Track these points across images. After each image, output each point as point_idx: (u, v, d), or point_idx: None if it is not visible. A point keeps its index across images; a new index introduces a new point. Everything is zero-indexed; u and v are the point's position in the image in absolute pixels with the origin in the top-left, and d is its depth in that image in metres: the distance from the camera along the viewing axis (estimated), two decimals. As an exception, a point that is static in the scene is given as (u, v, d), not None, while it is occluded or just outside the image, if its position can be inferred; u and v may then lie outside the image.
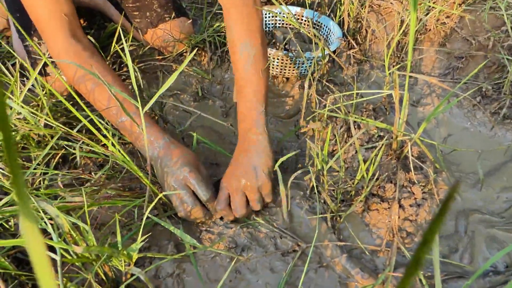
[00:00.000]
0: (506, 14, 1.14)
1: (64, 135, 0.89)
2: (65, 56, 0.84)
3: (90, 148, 0.83)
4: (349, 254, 0.77)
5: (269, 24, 1.36)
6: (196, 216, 0.77)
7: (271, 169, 0.81)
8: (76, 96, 0.78)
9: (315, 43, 1.15)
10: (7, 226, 0.74)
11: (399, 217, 0.79)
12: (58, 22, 0.84)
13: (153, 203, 0.68)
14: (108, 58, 1.23)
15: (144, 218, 0.66)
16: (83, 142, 0.84)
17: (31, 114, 0.83)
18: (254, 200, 0.79)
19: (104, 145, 0.90)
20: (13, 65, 1.25)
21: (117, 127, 0.84)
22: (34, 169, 0.87)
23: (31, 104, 0.94)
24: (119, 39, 1.35)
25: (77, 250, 0.57)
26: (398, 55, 1.27)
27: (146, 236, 0.68)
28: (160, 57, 1.33)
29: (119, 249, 0.60)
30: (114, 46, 1.19)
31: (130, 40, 1.27)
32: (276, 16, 1.35)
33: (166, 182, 0.77)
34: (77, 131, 0.96)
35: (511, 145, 1.00)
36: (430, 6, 1.27)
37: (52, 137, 0.93)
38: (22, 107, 0.89)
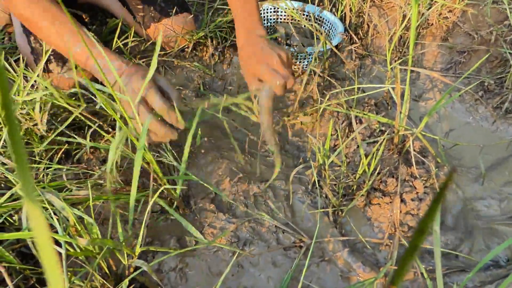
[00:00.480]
0: (508, 8, 1.14)
1: (67, 130, 0.89)
2: None
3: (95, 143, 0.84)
4: (351, 248, 0.77)
5: (271, 19, 1.36)
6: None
7: (289, 54, 0.85)
8: (80, 95, 0.78)
9: (317, 38, 1.15)
10: (11, 221, 0.74)
11: (400, 211, 0.80)
12: None
13: (156, 195, 0.69)
14: (113, 49, 1.23)
15: (147, 213, 0.66)
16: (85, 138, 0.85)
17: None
18: (285, 73, 0.81)
19: (107, 140, 0.91)
20: (16, 60, 1.25)
21: (72, 58, 0.84)
22: (38, 163, 0.88)
23: (33, 99, 0.94)
24: (120, 34, 1.35)
25: (81, 243, 0.57)
26: (400, 50, 1.26)
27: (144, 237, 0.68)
28: (162, 52, 1.33)
29: (121, 241, 0.60)
30: (116, 41, 1.20)
31: (132, 35, 1.27)
32: (277, 12, 1.35)
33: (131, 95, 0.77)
34: (81, 127, 0.96)
35: (513, 139, 1.00)
36: (432, 1, 1.27)
37: (54, 131, 0.94)
38: (26, 102, 0.89)
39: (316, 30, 0.97)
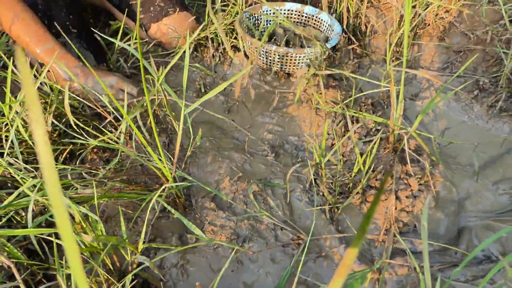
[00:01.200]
0: (504, 8, 1.16)
1: (71, 131, 0.92)
2: None
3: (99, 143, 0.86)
4: (347, 245, 0.79)
5: (270, 20, 1.38)
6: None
7: None
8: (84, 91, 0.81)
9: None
10: (19, 219, 0.77)
11: (395, 208, 0.82)
12: None
13: (157, 194, 0.71)
14: (113, 55, 1.26)
15: (148, 209, 0.69)
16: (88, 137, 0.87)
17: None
18: None
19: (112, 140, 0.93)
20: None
21: (40, 54, 1.02)
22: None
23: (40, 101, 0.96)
24: (123, 36, 1.37)
25: (86, 239, 0.60)
26: (397, 50, 1.28)
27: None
28: (164, 52, 1.35)
29: (125, 238, 0.63)
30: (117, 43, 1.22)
31: (134, 38, 1.29)
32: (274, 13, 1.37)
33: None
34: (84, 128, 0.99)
35: (507, 137, 1.02)
36: (428, 1, 1.28)
37: (59, 134, 0.96)
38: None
39: (310, 34, 0.99)
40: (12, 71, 0.99)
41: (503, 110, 1.07)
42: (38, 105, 0.15)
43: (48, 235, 0.69)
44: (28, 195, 0.68)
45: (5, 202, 0.66)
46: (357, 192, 0.84)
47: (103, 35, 0.77)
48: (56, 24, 1.14)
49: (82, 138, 0.88)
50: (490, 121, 1.07)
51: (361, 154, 0.92)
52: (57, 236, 0.64)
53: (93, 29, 1.03)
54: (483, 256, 0.79)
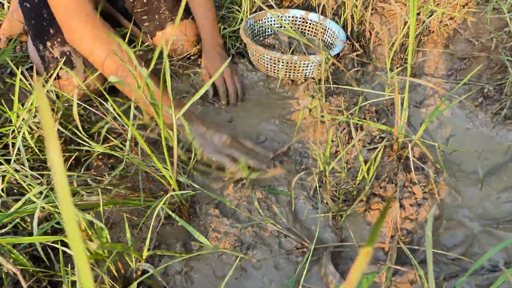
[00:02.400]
0: (508, 16, 1.16)
1: (77, 138, 0.92)
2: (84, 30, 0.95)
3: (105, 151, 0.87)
4: (351, 253, 0.79)
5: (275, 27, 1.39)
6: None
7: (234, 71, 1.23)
8: (92, 96, 0.82)
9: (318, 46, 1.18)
10: (24, 225, 0.78)
11: (400, 217, 0.82)
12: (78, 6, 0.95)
13: (162, 201, 0.72)
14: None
15: (156, 215, 0.69)
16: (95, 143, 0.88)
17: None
18: (234, 91, 1.18)
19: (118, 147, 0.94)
20: (28, 69, 1.29)
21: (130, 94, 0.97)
22: (49, 170, 0.91)
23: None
24: (129, 43, 1.38)
25: (91, 247, 0.61)
26: (401, 57, 1.29)
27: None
28: (169, 59, 1.36)
29: (130, 245, 0.63)
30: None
31: (139, 44, 1.31)
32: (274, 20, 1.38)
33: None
34: (91, 135, 1.00)
35: (512, 145, 1.01)
36: (433, 9, 1.29)
37: (65, 141, 0.97)
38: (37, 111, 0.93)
39: (313, 42, 1.00)
40: (19, 79, 1.00)
41: (508, 118, 1.07)
42: (55, 134, 0.16)
43: (53, 242, 0.70)
44: (33, 202, 0.68)
45: (12, 209, 0.67)
46: (361, 200, 0.84)
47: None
48: (61, 34, 1.15)
49: (87, 144, 0.88)
50: (495, 128, 1.06)
51: (365, 162, 0.92)
52: (62, 243, 0.65)
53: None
54: (489, 265, 0.78)
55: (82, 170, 0.95)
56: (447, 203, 0.89)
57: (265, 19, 1.36)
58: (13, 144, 0.89)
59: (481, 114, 1.10)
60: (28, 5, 1.15)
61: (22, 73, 1.07)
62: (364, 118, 1.04)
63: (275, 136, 1.08)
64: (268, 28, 1.38)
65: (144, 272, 0.72)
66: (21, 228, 0.79)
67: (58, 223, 0.76)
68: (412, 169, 0.83)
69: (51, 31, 1.15)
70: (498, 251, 0.80)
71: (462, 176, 0.96)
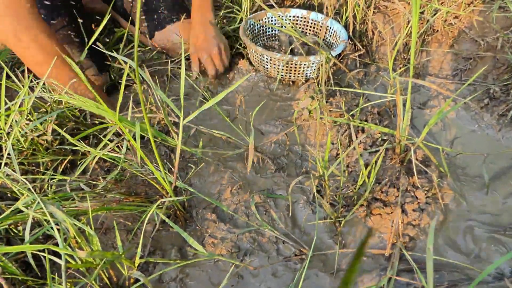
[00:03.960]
0: (514, 14, 1.13)
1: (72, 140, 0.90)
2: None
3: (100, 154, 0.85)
4: (351, 259, 0.77)
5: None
6: None
7: (226, 44, 1.24)
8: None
9: (320, 46, 1.15)
10: (16, 231, 0.76)
11: (402, 222, 0.79)
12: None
13: (155, 206, 0.69)
14: (116, 63, 1.25)
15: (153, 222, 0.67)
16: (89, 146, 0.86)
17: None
18: (219, 63, 1.21)
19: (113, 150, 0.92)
20: (22, 71, 1.28)
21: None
22: (43, 174, 0.89)
23: (40, 111, 0.96)
24: (127, 43, 1.37)
25: (80, 255, 0.58)
26: (405, 57, 1.26)
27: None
28: (168, 60, 1.34)
29: (121, 253, 0.61)
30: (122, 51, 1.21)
31: (137, 45, 1.28)
32: (277, 19, 1.36)
33: None
34: (86, 137, 0.98)
35: (519, 148, 0.98)
36: (437, 8, 1.26)
37: (61, 143, 0.95)
38: (31, 113, 0.91)
39: (316, 43, 0.97)
40: (13, 81, 0.98)
41: (515, 120, 1.03)
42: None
43: (42, 250, 0.68)
44: (25, 208, 0.66)
45: (2, 216, 0.65)
46: (362, 205, 0.82)
47: (103, 48, 0.76)
48: (59, 34, 1.14)
49: (83, 146, 0.86)
50: (501, 131, 1.03)
51: (367, 165, 0.89)
52: (50, 251, 0.63)
53: (97, 44, 1.03)
54: (494, 273, 0.76)
55: (78, 173, 0.94)
56: (451, 208, 0.86)
57: (265, 18, 1.34)
58: (5, 148, 0.87)
59: (487, 116, 1.07)
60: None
61: (16, 75, 1.05)
62: (366, 120, 1.02)
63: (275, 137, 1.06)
64: (268, 28, 1.36)
65: (138, 279, 0.70)
66: (12, 234, 0.77)
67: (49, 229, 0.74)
68: (415, 172, 0.80)
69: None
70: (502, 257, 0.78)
71: (467, 180, 0.93)
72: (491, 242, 0.80)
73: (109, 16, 1.49)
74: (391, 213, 0.80)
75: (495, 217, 0.85)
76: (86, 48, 1.09)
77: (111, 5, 1.41)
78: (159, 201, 0.67)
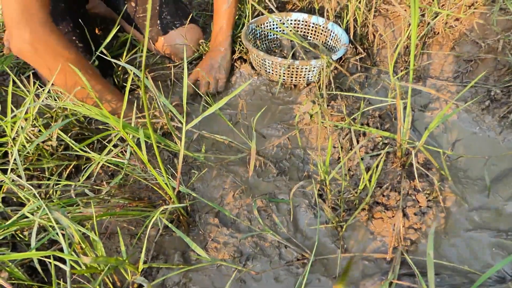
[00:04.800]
0: (515, 17, 1.13)
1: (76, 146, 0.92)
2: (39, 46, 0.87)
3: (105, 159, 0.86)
4: (353, 263, 0.77)
5: (277, 31, 1.37)
6: None
7: (228, 70, 1.27)
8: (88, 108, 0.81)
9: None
10: (21, 236, 0.77)
11: (403, 226, 0.80)
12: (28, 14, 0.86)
13: (158, 211, 0.70)
14: (120, 68, 1.26)
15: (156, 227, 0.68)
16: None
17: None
18: (212, 84, 1.23)
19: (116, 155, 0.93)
20: (28, 77, 1.29)
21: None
22: (48, 179, 0.90)
23: (45, 116, 0.97)
24: (131, 48, 1.38)
25: (85, 261, 0.59)
26: (406, 60, 1.26)
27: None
28: (171, 64, 1.35)
29: (124, 259, 0.62)
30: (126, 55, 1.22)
31: (141, 50, 1.30)
32: (282, 24, 1.36)
33: None
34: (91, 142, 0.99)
35: (521, 150, 0.99)
36: (437, 11, 1.26)
37: (65, 148, 0.96)
38: (36, 119, 0.92)
39: (316, 46, 0.98)
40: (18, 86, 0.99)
41: (516, 122, 1.04)
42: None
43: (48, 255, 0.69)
44: (30, 215, 0.67)
45: (8, 222, 0.66)
46: (363, 209, 0.82)
47: (108, 55, 0.77)
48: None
49: (88, 152, 0.87)
50: (503, 132, 1.04)
51: (368, 169, 0.90)
52: (55, 257, 0.64)
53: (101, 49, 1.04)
54: (496, 276, 0.76)
55: (83, 177, 0.95)
56: (453, 211, 0.86)
57: (267, 23, 1.34)
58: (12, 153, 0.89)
59: (488, 118, 1.07)
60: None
61: (21, 80, 1.06)
62: (367, 123, 1.02)
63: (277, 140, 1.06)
64: (270, 32, 1.37)
65: (141, 284, 0.71)
66: (18, 239, 0.78)
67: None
68: (416, 176, 0.81)
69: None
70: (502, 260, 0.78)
71: (468, 182, 0.93)
72: (492, 245, 0.80)
73: (117, 25, 1.51)
74: (393, 217, 0.81)
75: (497, 220, 0.85)
76: (94, 57, 1.11)
77: (115, 9, 1.43)
78: (162, 208, 0.68)
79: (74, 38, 1.18)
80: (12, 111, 0.84)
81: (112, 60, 0.70)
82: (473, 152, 1.00)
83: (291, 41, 1.31)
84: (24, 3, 0.84)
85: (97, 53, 1.10)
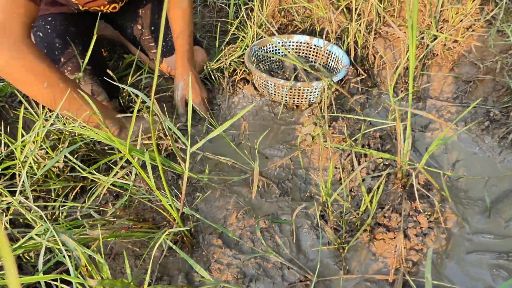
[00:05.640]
0: (512, 39, 1.15)
1: (81, 167, 0.93)
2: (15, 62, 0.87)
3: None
4: (356, 285, 0.78)
5: (279, 53, 1.40)
6: None
7: (206, 94, 1.29)
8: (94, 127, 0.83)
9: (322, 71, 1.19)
10: (28, 257, 0.78)
11: (405, 247, 0.80)
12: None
13: (164, 234, 0.71)
14: (125, 90, 1.29)
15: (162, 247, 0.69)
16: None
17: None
18: (203, 108, 1.25)
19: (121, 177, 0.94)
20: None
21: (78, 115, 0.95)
22: (54, 200, 0.92)
23: (51, 138, 0.99)
24: (136, 70, 1.41)
25: (91, 283, 0.60)
26: (406, 81, 1.28)
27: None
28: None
29: (130, 281, 0.63)
30: (132, 76, 1.25)
31: (146, 71, 1.33)
32: (282, 46, 1.39)
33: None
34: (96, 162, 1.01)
35: (520, 171, 1.00)
36: (437, 31, 1.29)
37: (72, 169, 0.98)
38: (44, 141, 0.94)
39: (317, 69, 1.00)
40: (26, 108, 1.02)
41: (515, 142, 1.05)
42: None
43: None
44: (37, 237, 0.69)
45: (17, 245, 0.67)
46: (365, 230, 0.83)
47: (115, 79, 0.79)
48: (72, 63, 1.18)
49: (93, 173, 0.89)
50: (502, 153, 1.05)
51: (370, 189, 0.91)
52: (62, 280, 0.65)
53: (107, 71, 1.07)
54: (497, 298, 0.76)
55: (88, 198, 0.96)
56: (454, 232, 0.87)
57: (269, 45, 1.37)
58: (20, 175, 0.91)
59: (488, 138, 1.09)
60: (41, 34, 1.18)
61: (30, 103, 1.09)
62: (369, 145, 1.04)
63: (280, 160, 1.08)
64: (272, 53, 1.40)
65: (146, 306, 0.72)
66: (24, 260, 0.80)
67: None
68: (417, 197, 0.82)
69: (62, 60, 1.17)
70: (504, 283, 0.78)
71: (469, 203, 0.94)
72: (494, 266, 0.81)
73: (120, 42, 1.55)
74: (394, 238, 0.82)
75: (498, 241, 0.86)
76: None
77: (121, 32, 1.46)
78: (167, 231, 0.69)
79: (82, 61, 1.21)
80: (22, 135, 0.86)
81: (120, 85, 0.72)
82: (474, 173, 1.02)
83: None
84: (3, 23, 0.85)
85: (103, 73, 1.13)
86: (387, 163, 0.96)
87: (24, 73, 0.88)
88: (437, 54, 1.31)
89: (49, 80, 0.90)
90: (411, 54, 0.69)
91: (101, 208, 0.88)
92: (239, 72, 1.35)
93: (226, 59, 1.34)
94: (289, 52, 1.29)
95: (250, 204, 0.96)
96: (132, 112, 1.29)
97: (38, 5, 0.90)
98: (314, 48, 1.38)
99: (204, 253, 0.85)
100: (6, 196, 0.82)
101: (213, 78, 1.35)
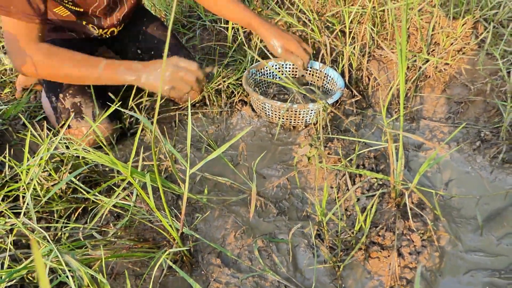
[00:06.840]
0: (501, 62, 1.19)
1: (83, 188, 0.96)
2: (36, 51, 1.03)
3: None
4: (352, 302, 0.80)
5: (276, 76, 1.44)
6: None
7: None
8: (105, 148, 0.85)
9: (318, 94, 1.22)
10: (31, 278, 0.80)
11: (399, 265, 0.82)
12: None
13: (165, 255, 0.74)
14: (128, 106, 1.32)
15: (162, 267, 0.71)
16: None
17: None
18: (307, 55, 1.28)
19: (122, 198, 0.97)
20: (41, 119, 1.35)
21: (100, 79, 1.09)
22: (56, 222, 0.94)
23: (54, 160, 1.02)
24: (136, 93, 1.44)
25: (93, 304, 0.62)
26: (399, 102, 1.32)
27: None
28: (175, 107, 1.41)
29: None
30: (132, 98, 1.29)
31: (146, 94, 1.36)
32: (278, 69, 1.43)
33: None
34: (97, 183, 1.03)
35: (511, 190, 1.02)
36: (429, 54, 1.33)
37: (74, 190, 1.01)
38: (47, 163, 0.97)
39: (313, 91, 1.04)
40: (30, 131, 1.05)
41: (506, 162, 1.08)
42: None
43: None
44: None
45: (21, 266, 0.69)
46: (360, 249, 0.85)
47: (118, 104, 0.82)
48: (74, 86, 1.22)
49: (95, 195, 0.92)
50: (494, 172, 1.08)
51: (364, 209, 0.94)
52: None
53: (108, 94, 1.11)
54: (490, 315, 0.78)
55: (90, 219, 0.98)
56: (447, 250, 0.89)
57: (267, 67, 1.42)
58: (23, 196, 0.93)
59: (480, 158, 1.12)
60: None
61: (33, 125, 1.12)
62: (363, 164, 1.07)
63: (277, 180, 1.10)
64: (269, 76, 1.44)
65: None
66: (27, 281, 0.81)
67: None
68: (410, 216, 0.84)
69: (64, 84, 1.21)
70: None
71: (462, 222, 0.96)
72: (486, 284, 0.83)
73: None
74: (388, 256, 0.84)
75: (490, 259, 0.88)
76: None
77: (122, 56, 1.51)
78: (167, 252, 0.71)
79: (84, 85, 1.25)
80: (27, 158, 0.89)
81: (121, 109, 0.75)
82: (466, 191, 1.04)
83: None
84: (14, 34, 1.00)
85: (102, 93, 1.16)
86: (381, 182, 0.99)
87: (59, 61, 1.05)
88: (430, 76, 1.36)
89: (84, 62, 1.06)
90: (401, 80, 0.73)
91: (102, 229, 0.90)
92: (237, 94, 1.38)
93: (224, 81, 1.38)
94: (284, 76, 1.33)
95: (248, 223, 0.98)
96: (133, 133, 1.32)
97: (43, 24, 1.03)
98: (310, 71, 1.42)
99: (203, 272, 0.87)
100: (10, 218, 0.84)
101: (212, 99, 1.39)
